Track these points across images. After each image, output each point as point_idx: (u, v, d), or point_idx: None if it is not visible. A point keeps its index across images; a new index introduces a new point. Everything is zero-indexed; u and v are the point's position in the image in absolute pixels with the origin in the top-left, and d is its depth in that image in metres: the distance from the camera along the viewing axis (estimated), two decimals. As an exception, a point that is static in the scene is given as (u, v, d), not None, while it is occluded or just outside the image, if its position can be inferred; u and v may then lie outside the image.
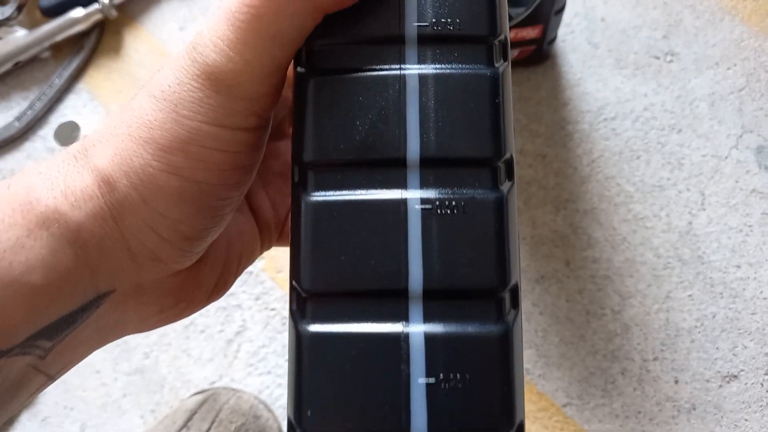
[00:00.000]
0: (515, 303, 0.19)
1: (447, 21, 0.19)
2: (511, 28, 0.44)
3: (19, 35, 0.56)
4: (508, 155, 0.19)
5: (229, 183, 0.20)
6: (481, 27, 0.19)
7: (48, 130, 0.55)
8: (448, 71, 0.19)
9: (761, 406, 0.41)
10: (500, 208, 0.18)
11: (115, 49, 0.57)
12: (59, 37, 0.56)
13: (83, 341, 0.20)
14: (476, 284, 0.18)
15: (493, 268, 0.18)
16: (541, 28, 0.44)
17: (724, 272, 0.44)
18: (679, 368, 0.42)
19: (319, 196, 0.19)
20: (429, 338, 0.18)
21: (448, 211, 0.18)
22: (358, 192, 0.19)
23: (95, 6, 0.55)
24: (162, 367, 0.46)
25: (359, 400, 0.18)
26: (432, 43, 0.19)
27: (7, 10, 0.58)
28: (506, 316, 0.18)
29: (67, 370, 0.21)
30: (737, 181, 0.46)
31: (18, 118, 0.55)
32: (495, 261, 0.18)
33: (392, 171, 0.19)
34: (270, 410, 0.44)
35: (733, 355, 0.42)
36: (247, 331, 0.46)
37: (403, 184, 0.19)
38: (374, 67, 0.19)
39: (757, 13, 0.51)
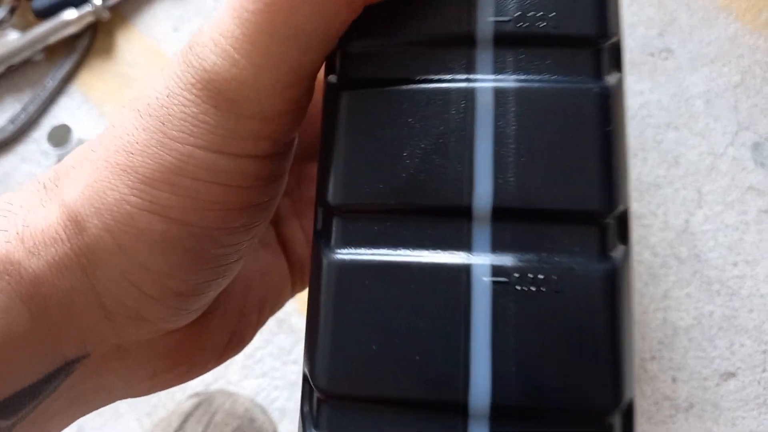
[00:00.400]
0: (629, 427, 0.13)
1: (536, 15, 0.14)
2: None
3: (12, 38, 0.56)
4: (621, 208, 0.13)
5: (233, 227, 0.16)
6: (586, 24, 0.14)
7: (42, 133, 0.54)
8: (536, 85, 0.13)
9: (758, 403, 0.41)
10: (612, 286, 0.13)
11: (108, 50, 0.57)
12: (52, 39, 0.56)
13: (55, 413, 0.16)
14: (576, 404, 0.12)
15: (601, 379, 0.12)
16: (535, 26, 0.44)
17: (721, 270, 0.44)
18: (677, 367, 0.42)
19: (347, 253, 0.14)
20: None
21: (533, 288, 0.13)
22: (402, 252, 0.13)
23: (88, 8, 0.55)
24: (157, 370, 0.46)
25: None
26: (514, 45, 0.14)
27: (0, 13, 0.58)
28: None
29: None
30: (733, 179, 0.46)
31: (12, 121, 0.55)
32: (604, 368, 0.12)
33: (452, 225, 0.13)
34: (265, 413, 0.43)
35: (731, 353, 0.42)
36: (243, 333, 0.46)
37: (466, 245, 0.13)
38: (431, 77, 0.14)
39: (751, 11, 0.51)
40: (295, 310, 0.46)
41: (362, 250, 0.14)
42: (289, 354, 0.45)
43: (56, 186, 0.15)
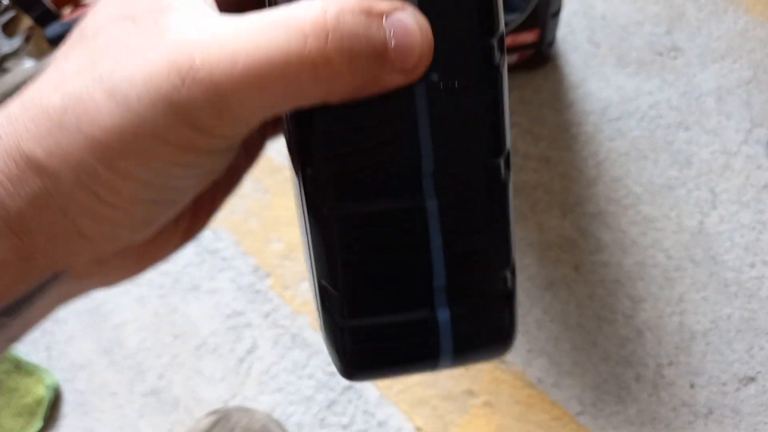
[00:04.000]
0: (508, 165, 0.19)
1: None
2: (507, 33, 0.44)
3: (28, 66, 0.57)
4: (501, 31, 0.19)
5: (190, 185, 0.20)
6: None
7: (58, 158, 0.56)
8: None
9: (780, 409, 0.40)
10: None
11: (120, 73, 0.58)
12: (65, 65, 0.57)
13: (44, 308, 0.20)
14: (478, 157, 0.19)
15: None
16: (537, 32, 0.44)
17: (738, 272, 0.43)
18: (695, 372, 0.41)
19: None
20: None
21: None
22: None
23: (98, 33, 0.56)
24: (176, 388, 0.47)
25: (386, 264, 0.19)
26: None
27: (15, 42, 0.59)
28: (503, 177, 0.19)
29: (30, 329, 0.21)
30: (748, 177, 0.45)
31: (29, 147, 0.56)
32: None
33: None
34: (282, 428, 0.44)
35: (750, 356, 0.41)
36: (258, 349, 0.47)
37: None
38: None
39: (762, 2, 0.49)
40: (308, 324, 0.47)
41: None
42: (303, 368, 0.46)
43: (17, 141, 0.18)
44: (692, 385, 0.41)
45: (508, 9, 0.41)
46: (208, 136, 0.17)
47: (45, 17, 0.59)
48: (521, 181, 0.47)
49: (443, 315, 0.19)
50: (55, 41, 0.58)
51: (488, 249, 0.19)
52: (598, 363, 0.42)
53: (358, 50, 0.16)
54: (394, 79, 0.17)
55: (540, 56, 0.47)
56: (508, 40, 0.44)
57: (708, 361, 0.41)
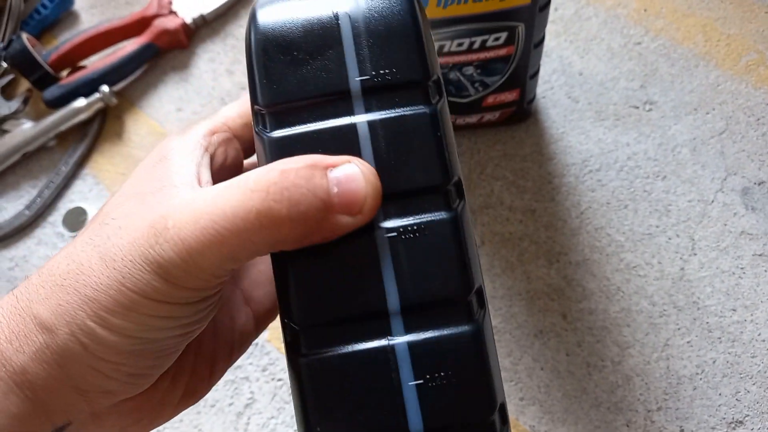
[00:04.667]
0: (482, 303, 0.21)
1: (385, 71, 0.21)
2: (489, 93, 0.46)
3: (26, 127, 0.59)
4: (455, 178, 0.22)
5: (172, 337, 0.21)
6: (414, 73, 0.21)
7: (57, 216, 0.57)
8: (392, 115, 0.21)
9: (767, 452, 0.41)
10: (455, 223, 0.21)
11: (117, 133, 0.59)
12: (64, 127, 0.59)
13: None
14: (445, 294, 0.21)
15: (454, 276, 0.21)
16: (518, 91, 0.46)
17: (720, 316, 0.44)
18: (684, 417, 0.42)
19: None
20: (412, 346, 0.20)
21: (411, 236, 0.21)
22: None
23: (96, 95, 0.58)
24: (173, 446, 0.47)
25: (361, 411, 0.20)
26: (375, 93, 0.21)
27: (13, 105, 0.61)
28: (475, 316, 0.21)
29: None
30: (725, 224, 0.47)
31: (28, 207, 0.57)
32: (456, 270, 0.21)
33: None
34: (280, 483, 0.44)
35: (737, 400, 0.42)
36: (256, 403, 0.47)
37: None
38: (329, 121, 0.21)
39: (731, 57, 0.52)
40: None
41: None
42: (300, 422, 0.46)
43: (28, 300, 0.20)
44: (682, 430, 0.42)
45: (489, 72, 0.43)
46: (180, 288, 0.20)
47: (43, 80, 0.61)
48: (508, 233, 0.48)
49: None
50: (53, 103, 0.60)
51: (466, 393, 0.20)
52: (589, 410, 0.43)
53: (297, 198, 0.19)
54: (343, 222, 0.19)
55: (521, 112, 0.50)
56: (491, 99, 0.46)
57: (696, 406, 0.42)
